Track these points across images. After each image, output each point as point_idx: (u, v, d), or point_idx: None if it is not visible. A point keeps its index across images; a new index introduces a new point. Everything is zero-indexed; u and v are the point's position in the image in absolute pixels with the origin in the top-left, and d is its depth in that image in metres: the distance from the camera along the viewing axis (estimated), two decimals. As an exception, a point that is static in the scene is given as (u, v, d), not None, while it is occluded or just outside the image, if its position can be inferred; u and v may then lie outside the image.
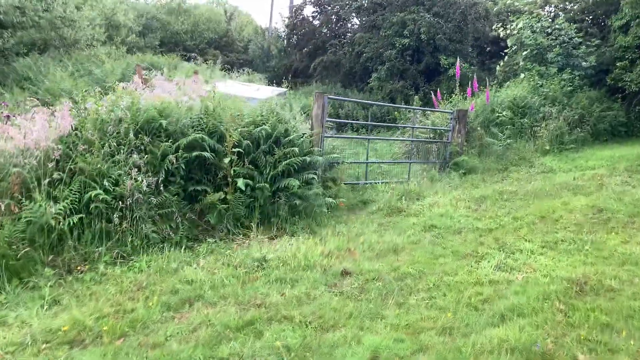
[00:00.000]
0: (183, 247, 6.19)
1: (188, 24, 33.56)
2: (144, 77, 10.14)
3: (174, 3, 34.62)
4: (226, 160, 6.99)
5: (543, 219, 7.77)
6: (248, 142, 7.37)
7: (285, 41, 30.87)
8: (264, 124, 7.72)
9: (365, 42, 22.81)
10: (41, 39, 19.30)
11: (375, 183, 10.08)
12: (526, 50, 16.45)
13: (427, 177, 10.83)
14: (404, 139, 12.39)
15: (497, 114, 13.58)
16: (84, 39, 20.21)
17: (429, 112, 13.01)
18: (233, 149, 7.13)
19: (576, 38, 16.22)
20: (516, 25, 17.49)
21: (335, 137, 9.71)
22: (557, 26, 16.53)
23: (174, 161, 6.55)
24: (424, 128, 12.21)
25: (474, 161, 11.65)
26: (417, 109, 11.84)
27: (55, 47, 19.24)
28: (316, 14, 28.52)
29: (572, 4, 19.27)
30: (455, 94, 13.32)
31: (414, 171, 11.48)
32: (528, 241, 6.71)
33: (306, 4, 28.30)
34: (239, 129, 7.44)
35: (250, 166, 7.34)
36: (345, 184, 9.48)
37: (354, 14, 26.14)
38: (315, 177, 7.99)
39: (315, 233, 7.20)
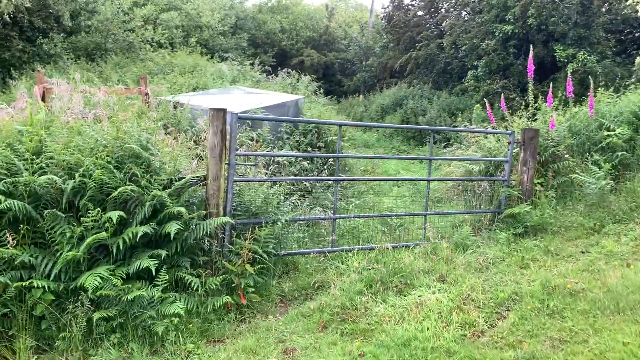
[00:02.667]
0: None
1: (286, 22, 31.33)
2: (46, 87, 7.49)
3: (274, 1, 32.63)
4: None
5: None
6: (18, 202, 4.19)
7: (384, 36, 27.12)
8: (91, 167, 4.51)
9: (459, 32, 18.25)
10: (93, 42, 18.10)
11: (348, 251, 6.27)
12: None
13: (453, 241, 6.72)
14: (408, 178, 8.27)
15: (607, 133, 8.70)
16: (137, 42, 18.65)
17: (479, 133, 8.64)
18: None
19: None
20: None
21: (257, 180, 5.86)
22: None
23: None
24: (458, 160, 7.98)
25: (545, 213, 7.14)
26: (435, 129, 7.47)
27: (105, 50, 17.91)
28: (415, 0, 24.36)
29: None
30: (531, 103, 8.67)
31: (441, 226, 7.41)
32: None
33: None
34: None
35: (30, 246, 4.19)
36: (285, 255, 5.89)
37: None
38: (183, 254, 4.61)
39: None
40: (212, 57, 19.43)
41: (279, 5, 32.69)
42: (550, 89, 8.63)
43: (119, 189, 4.41)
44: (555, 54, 15.60)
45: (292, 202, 6.27)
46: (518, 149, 7.54)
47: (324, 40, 32.07)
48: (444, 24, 18.91)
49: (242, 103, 8.95)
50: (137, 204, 4.67)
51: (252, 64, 20.41)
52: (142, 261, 4.35)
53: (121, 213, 4.38)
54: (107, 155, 4.74)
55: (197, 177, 5.14)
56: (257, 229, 5.45)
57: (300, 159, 8.93)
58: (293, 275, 6.00)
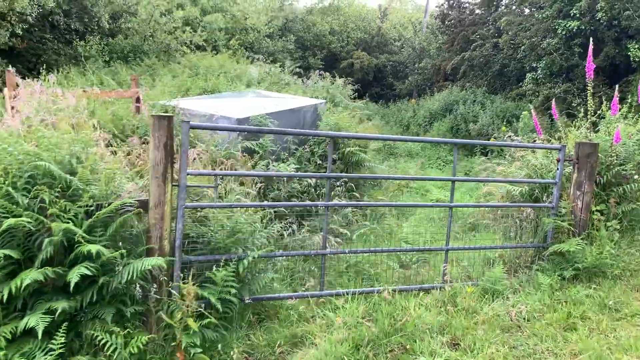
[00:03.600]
0: None
1: (337, 24, 30.23)
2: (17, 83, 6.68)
3: (326, 2, 31.60)
4: None
5: None
6: None
7: (439, 36, 25.47)
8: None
9: (517, 30, 16.44)
10: (129, 44, 17.68)
11: (342, 295, 5.00)
12: None
13: (481, 283, 5.31)
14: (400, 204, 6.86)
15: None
16: (174, 44, 18.06)
17: (514, 147, 7.08)
18: None
19: None
20: None
21: (215, 206, 4.55)
22: None
23: None
24: (486, 181, 6.51)
25: (604, 251, 5.56)
26: (459, 142, 5.93)
27: (142, 52, 17.43)
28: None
29: None
30: (591, 111, 7.01)
31: (468, 261, 6.00)
32: None
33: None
34: None
35: None
36: (254, 301, 4.71)
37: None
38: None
39: None
40: (246, 59, 18.54)
41: (330, 7, 31.63)
42: (616, 92, 6.98)
43: (7, 221, 3.38)
44: (629, 54, 13.57)
45: (276, 230, 5.08)
46: (571, 167, 6.00)
47: (375, 42, 30.70)
48: (502, 19, 17.11)
49: (246, 108, 7.86)
50: (43, 239, 3.63)
51: (282, 66, 19.42)
52: (30, 318, 3.29)
53: (8, 252, 3.35)
54: (15, 175, 3.74)
55: (131, 202, 4.04)
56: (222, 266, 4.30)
57: (306, 172, 7.73)
58: (268, 325, 4.79)
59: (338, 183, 7.56)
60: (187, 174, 4.27)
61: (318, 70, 14.23)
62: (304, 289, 4.94)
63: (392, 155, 15.54)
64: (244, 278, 4.56)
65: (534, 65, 15.90)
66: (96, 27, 18.12)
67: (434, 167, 13.73)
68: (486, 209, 7.22)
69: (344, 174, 6.76)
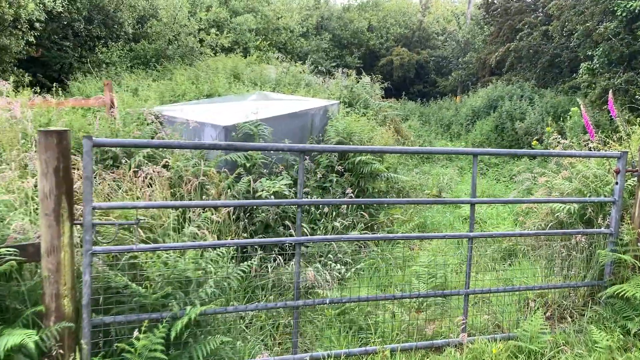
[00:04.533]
0: None
1: (375, 19, 28.87)
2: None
3: (364, -2, 30.30)
4: None
5: None
6: None
7: (484, 28, 23.66)
8: None
9: (570, 14, 14.63)
10: (152, 49, 17.03)
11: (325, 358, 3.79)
12: None
13: (512, 338, 3.98)
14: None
15: None
16: (197, 47, 17.27)
17: (551, 156, 5.61)
18: None
19: None
20: None
21: (122, 249, 3.35)
22: None
23: None
24: (513, 202, 5.13)
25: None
26: (478, 152, 4.44)
27: (165, 57, 16.72)
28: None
29: None
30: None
31: (498, 304, 4.68)
32: None
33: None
34: None
35: None
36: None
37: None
38: None
39: None
40: (264, 60, 17.45)
41: (369, 2, 30.28)
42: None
43: None
44: None
45: (246, 268, 3.93)
46: (635, 180, 4.56)
47: (417, 37, 29.10)
48: (551, 4, 15.28)
49: (239, 113, 6.75)
50: None
51: (317, 66, 18.12)
52: None
53: None
54: None
55: (10, 250, 2.99)
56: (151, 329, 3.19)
57: (316, 188, 6.55)
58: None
59: (349, 192, 6.34)
60: (94, 208, 3.18)
61: (341, 69, 12.97)
62: (269, 354, 3.75)
63: (429, 159, 14.11)
64: (183, 342, 3.43)
65: (590, 53, 14.04)
66: (120, 33, 17.64)
67: (477, 173, 12.24)
68: (525, 230, 5.81)
69: (319, 200, 5.53)
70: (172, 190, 4.99)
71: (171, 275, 3.50)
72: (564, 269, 4.84)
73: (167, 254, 3.56)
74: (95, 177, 4.65)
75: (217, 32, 18.83)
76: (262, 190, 5.59)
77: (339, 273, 4.81)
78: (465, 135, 16.72)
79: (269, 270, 4.77)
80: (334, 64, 24.68)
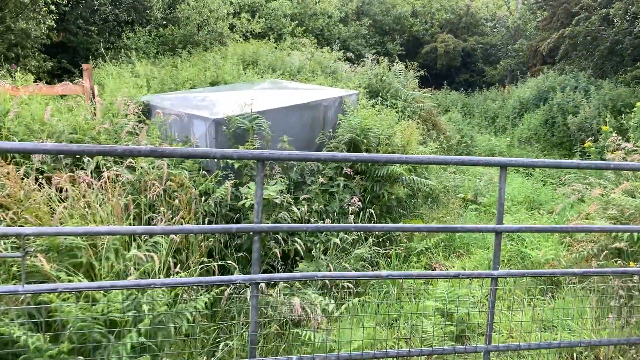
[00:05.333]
0: None
1: (419, 4, 27.42)
2: None
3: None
4: None
5: None
6: None
7: (537, 13, 21.89)
8: None
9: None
10: (180, 34, 16.38)
11: None
12: None
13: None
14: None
15: None
16: (227, 33, 16.50)
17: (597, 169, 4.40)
18: None
19: None
20: None
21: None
22: None
23: None
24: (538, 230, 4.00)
25: None
26: (499, 162, 3.32)
27: (194, 43, 16.05)
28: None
29: None
30: None
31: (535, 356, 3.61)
32: None
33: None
34: None
35: None
36: None
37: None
38: None
39: None
40: (289, 45, 16.38)
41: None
42: None
43: None
44: None
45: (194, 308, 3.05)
46: None
47: (464, 23, 27.43)
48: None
49: (238, 104, 5.84)
50: None
51: (331, 50, 16.98)
52: None
53: None
54: None
55: None
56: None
57: (319, 193, 5.60)
58: None
59: (351, 209, 5.35)
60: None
61: (372, 55, 11.86)
62: None
63: (470, 154, 12.86)
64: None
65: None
66: (150, 18, 17.07)
67: (521, 173, 10.94)
68: (571, 255, 4.68)
69: (281, 225, 4.59)
70: (134, 197, 4.15)
71: (80, 322, 2.63)
72: (621, 315, 3.72)
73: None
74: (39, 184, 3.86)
75: (249, 18, 17.99)
76: (246, 198, 4.68)
77: (327, 307, 3.85)
78: (512, 129, 15.32)
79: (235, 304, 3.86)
80: (373, 51, 23.49)
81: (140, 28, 16.14)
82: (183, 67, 9.47)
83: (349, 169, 5.62)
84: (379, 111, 6.71)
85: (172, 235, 3.65)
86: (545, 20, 19.35)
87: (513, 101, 16.38)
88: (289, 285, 4.22)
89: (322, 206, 5.32)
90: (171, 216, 4.02)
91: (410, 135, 6.49)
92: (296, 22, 21.99)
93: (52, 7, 12.49)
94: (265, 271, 4.66)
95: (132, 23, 16.49)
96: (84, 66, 5.90)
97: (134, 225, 3.93)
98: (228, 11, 17.02)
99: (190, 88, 8.19)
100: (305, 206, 5.11)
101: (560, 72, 16.11)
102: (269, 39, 17.75)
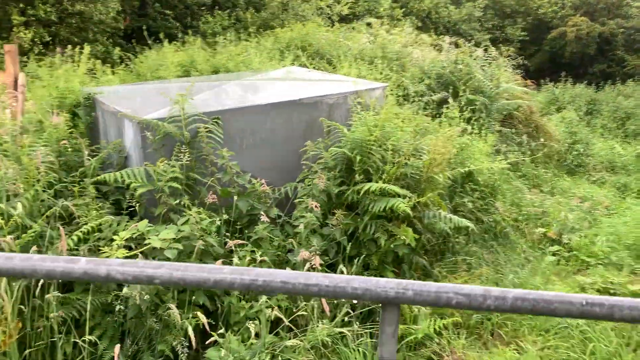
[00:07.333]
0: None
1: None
2: None
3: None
4: None
5: None
6: None
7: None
8: None
9: None
10: (259, 17, 15.23)
11: None
12: None
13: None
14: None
15: None
16: (309, 16, 14.99)
17: None
18: None
19: None
20: None
21: None
22: None
23: None
24: None
25: None
26: None
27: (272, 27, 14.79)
28: None
29: None
30: None
31: None
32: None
33: None
34: None
35: None
36: None
37: None
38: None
39: None
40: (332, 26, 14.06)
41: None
42: None
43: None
44: None
45: None
46: None
47: (603, 4, 23.23)
48: None
49: (194, 101, 4.27)
50: None
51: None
52: None
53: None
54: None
55: None
56: None
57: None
58: None
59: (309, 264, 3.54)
60: None
61: (450, 38, 9.45)
62: None
63: (582, 166, 10.07)
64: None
65: None
66: (236, 2, 16.11)
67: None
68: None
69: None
70: None
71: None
72: None
73: None
74: None
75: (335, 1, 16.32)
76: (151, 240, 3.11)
77: None
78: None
79: None
80: (488, 36, 20.52)
81: (220, 12, 15.17)
82: (188, 53, 8.04)
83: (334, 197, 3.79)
84: (396, 114, 4.70)
85: None
86: None
87: (652, 99, 12.96)
88: None
89: (268, 258, 3.57)
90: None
91: (443, 148, 4.41)
92: (399, 4, 19.83)
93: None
94: None
95: (212, 7, 15.60)
96: (6, 47, 4.64)
97: None
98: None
99: (181, 76, 6.76)
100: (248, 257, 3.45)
101: None
102: (357, 23, 15.90)
